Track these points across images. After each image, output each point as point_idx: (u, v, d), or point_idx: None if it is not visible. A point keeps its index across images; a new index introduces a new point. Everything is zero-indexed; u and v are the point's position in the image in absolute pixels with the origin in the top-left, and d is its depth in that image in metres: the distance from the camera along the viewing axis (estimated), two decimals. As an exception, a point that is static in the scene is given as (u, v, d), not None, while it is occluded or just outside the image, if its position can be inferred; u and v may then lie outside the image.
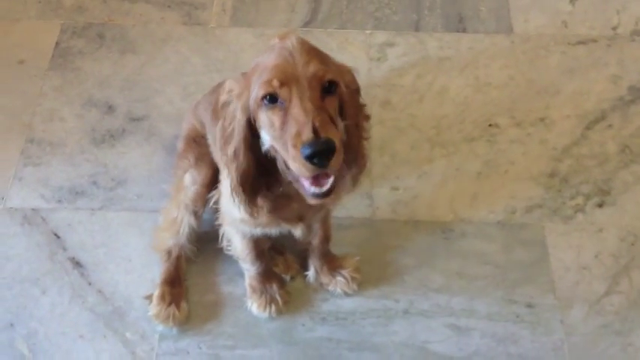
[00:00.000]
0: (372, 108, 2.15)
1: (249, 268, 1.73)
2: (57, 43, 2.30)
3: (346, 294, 1.78)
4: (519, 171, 2.02)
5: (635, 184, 1.99)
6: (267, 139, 1.29)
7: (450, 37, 2.32)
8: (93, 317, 1.76)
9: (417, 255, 1.84)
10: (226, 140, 1.33)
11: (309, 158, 1.18)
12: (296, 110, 1.21)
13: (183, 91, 2.18)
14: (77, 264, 1.84)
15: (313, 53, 1.26)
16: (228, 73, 2.09)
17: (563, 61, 2.25)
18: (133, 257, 1.85)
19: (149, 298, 1.76)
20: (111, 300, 1.79)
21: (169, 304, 1.73)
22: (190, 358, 1.70)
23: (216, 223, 1.69)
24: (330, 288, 1.79)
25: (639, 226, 1.91)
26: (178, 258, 1.80)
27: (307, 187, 1.26)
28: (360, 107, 1.40)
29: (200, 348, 1.71)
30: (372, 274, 1.82)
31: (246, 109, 1.28)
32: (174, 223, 1.77)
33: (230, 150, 1.32)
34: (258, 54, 1.34)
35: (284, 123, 1.23)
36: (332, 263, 1.79)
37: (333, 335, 1.73)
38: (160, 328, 1.73)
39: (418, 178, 2.00)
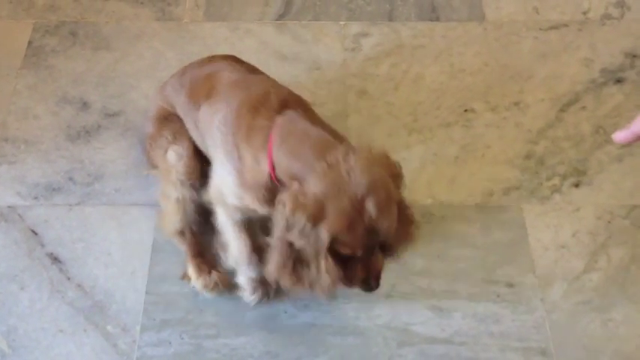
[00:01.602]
0: (348, 97, 2.16)
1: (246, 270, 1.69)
2: (29, 42, 2.29)
3: None
4: (496, 154, 2.03)
5: (610, 163, 2.01)
6: None
7: (424, 25, 2.34)
8: (73, 312, 1.74)
9: (397, 239, 1.84)
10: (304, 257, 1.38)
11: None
12: (370, 264, 1.40)
13: (158, 85, 2.16)
14: (56, 259, 1.82)
15: (393, 217, 1.35)
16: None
17: (535, 46, 2.27)
18: (112, 251, 1.84)
19: (185, 277, 1.77)
20: (91, 294, 1.77)
21: (209, 273, 1.74)
22: (172, 348, 1.68)
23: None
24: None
25: (615, 204, 1.93)
26: (193, 234, 1.80)
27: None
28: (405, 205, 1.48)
29: (182, 338, 1.70)
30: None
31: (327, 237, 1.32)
32: (177, 203, 1.76)
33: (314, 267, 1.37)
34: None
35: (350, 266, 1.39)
36: None
37: (317, 321, 1.73)
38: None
39: (396, 165, 2.00)
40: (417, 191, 1.95)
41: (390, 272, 1.77)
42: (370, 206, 1.30)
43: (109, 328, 1.72)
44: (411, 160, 2.02)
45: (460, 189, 1.96)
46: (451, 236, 1.87)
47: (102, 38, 2.30)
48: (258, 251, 1.64)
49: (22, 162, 2.00)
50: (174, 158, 1.76)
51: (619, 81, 2.19)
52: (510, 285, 1.78)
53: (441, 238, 1.87)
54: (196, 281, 1.74)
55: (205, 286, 1.74)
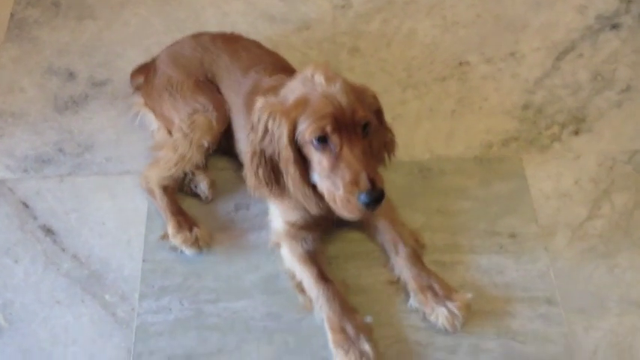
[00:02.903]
0: (340, 56, 2.12)
1: (315, 297, 1.62)
2: (12, 15, 2.23)
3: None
4: (493, 106, 1.99)
5: (609, 109, 1.97)
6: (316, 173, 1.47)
7: (414, -21, 2.28)
8: (69, 282, 1.71)
9: (397, 196, 1.79)
10: (267, 157, 1.48)
11: (366, 204, 1.40)
12: (349, 158, 1.42)
13: (145, 52, 2.12)
14: (49, 231, 1.79)
15: (353, 96, 1.44)
16: (190, 32, 2.02)
17: (529, -5, 2.23)
18: (107, 220, 1.80)
19: (164, 236, 1.74)
20: (87, 264, 1.74)
21: (190, 229, 1.72)
22: (172, 314, 1.65)
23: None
24: (431, 318, 1.60)
25: (616, 149, 1.89)
26: (174, 191, 1.80)
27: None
28: (385, 125, 1.60)
29: (182, 304, 1.67)
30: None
31: (291, 140, 1.44)
32: (181, 160, 1.75)
33: (284, 168, 1.48)
34: (288, 83, 1.47)
35: (334, 166, 1.43)
36: (436, 292, 1.62)
37: (317, 281, 1.70)
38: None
39: (392, 121, 1.93)
40: (414, 147, 1.91)
41: (391, 229, 1.75)
42: (324, 84, 1.43)
43: (106, 297, 1.69)
44: (406, 116, 1.98)
45: (458, 143, 1.93)
46: (451, 190, 1.84)
47: (86, 7, 2.25)
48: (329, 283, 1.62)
49: (10, 135, 1.96)
50: (206, 126, 1.75)
51: (615, 27, 2.15)
52: (513, 236, 1.75)
53: (441, 192, 1.83)
54: (175, 237, 1.72)
55: (185, 241, 1.71)
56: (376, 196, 1.41)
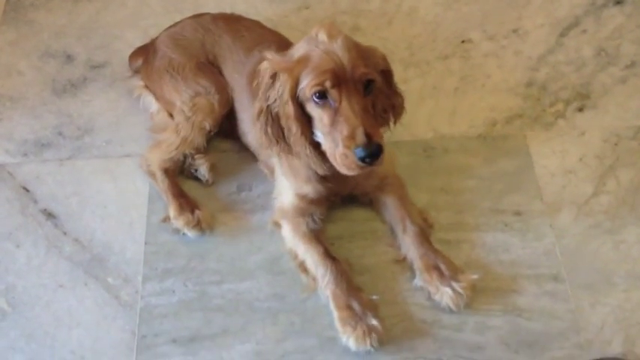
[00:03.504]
0: (341, 34, 2.09)
1: (322, 274, 1.60)
2: (7, -2, 2.21)
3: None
4: (496, 83, 1.97)
5: (613, 85, 1.95)
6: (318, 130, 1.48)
7: (415, -43, 2.25)
8: (71, 266, 1.70)
9: (401, 175, 1.77)
10: (273, 115, 1.48)
11: (362, 159, 1.39)
12: (347, 113, 1.41)
13: (144, 34, 2.09)
14: (50, 215, 1.77)
15: (356, 53, 1.44)
16: (188, 13, 2.00)
17: (531, -29, 2.20)
18: (108, 203, 1.79)
19: (166, 219, 1.73)
20: (89, 247, 1.72)
21: (192, 212, 1.71)
22: (176, 296, 1.64)
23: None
24: (435, 297, 1.59)
25: (621, 126, 1.87)
26: (174, 174, 1.79)
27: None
28: (394, 89, 1.59)
29: (186, 286, 1.66)
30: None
31: (293, 96, 1.44)
32: (183, 142, 1.75)
33: (285, 124, 1.48)
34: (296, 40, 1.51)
35: (334, 121, 1.43)
36: (442, 271, 1.60)
37: (321, 261, 1.68)
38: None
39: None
40: (417, 126, 1.90)
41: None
42: (326, 41, 1.43)
43: (109, 280, 1.67)
44: (409, 94, 1.91)
45: (461, 121, 1.91)
46: (455, 169, 1.82)
47: (82, -11, 2.22)
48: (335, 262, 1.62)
49: (9, 119, 1.94)
50: (208, 109, 1.74)
51: (619, 2, 2.12)
52: (518, 213, 1.73)
53: (445, 171, 1.82)
54: (177, 219, 1.71)
55: (187, 224, 1.70)
56: (373, 150, 1.40)
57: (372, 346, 1.51)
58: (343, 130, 1.41)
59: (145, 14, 2.15)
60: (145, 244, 1.72)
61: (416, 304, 1.62)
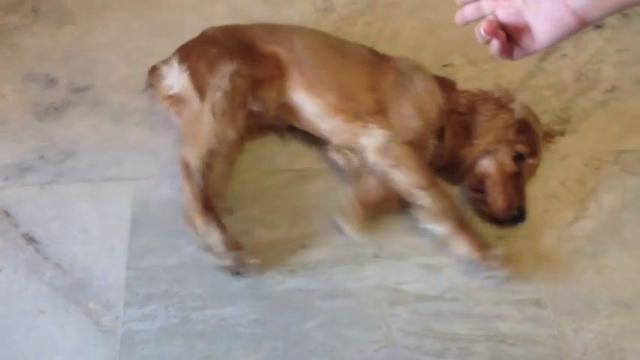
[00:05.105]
0: (324, 58, 2.10)
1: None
2: (-9, 21, 2.21)
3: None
4: (478, 107, 1.98)
5: (594, 109, 1.97)
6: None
7: (397, -19, 2.28)
8: (53, 292, 1.68)
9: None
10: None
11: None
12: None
13: (127, 57, 2.10)
14: (31, 240, 1.76)
15: None
16: (172, 37, 2.00)
17: (512, -4, 2.22)
18: (90, 228, 1.78)
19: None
20: (70, 272, 1.71)
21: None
22: (158, 322, 1.63)
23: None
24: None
25: (602, 150, 1.89)
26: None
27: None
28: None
29: (168, 311, 1.64)
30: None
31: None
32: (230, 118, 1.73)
33: None
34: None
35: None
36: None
37: (304, 286, 1.68)
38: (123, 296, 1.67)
39: (377, 123, 1.95)
40: (400, 149, 1.90)
41: (378, 233, 1.74)
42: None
43: (91, 305, 1.66)
44: None
45: (444, 144, 1.91)
46: (437, 192, 1.82)
47: (65, 12, 2.23)
48: None
49: (-10, 143, 1.93)
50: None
51: (598, 26, 2.16)
52: (500, 237, 1.74)
53: (427, 195, 1.82)
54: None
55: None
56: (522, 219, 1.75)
57: None
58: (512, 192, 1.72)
59: (129, 37, 2.15)
60: (127, 268, 1.71)
61: (399, 329, 1.61)
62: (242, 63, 1.76)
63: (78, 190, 1.84)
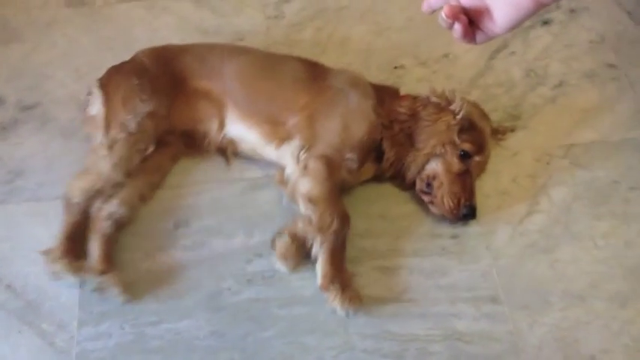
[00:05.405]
0: (275, 66, 2.09)
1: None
2: None
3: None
4: (429, 108, 1.99)
5: (543, 105, 1.99)
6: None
7: (345, -14, 2.28)
8: (4, 314, 1.65)
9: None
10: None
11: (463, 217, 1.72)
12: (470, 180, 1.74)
13: (75, 73, 2.07)
14: (-19, 262, 1.73)
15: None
16: (121, 50, 1.99)
17: (459, -4, 2.23)
18: (41, 247, 1.74)
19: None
20: (22, 294, 1.68)
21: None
22: (113, 340, 1.61)
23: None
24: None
25: (553, 145, 1.91)
26: None
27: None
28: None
29: (123, 328, 1.63)
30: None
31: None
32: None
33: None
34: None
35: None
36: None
37: (261, 295, 1.67)
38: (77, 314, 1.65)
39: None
40: (352, 153, 1.90)
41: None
42: None
43: (44, 326, 1.63)
44: None
45: (396, 146, 1.91)
46: (391, 195, 1.83)
47: (11, 30, 2.19)
48: None
49: (-63, 166, 1.90)
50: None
51: (546, 23, 2.18)
52: (455, 236, 1.75)
53: (381, 197, 1.83)
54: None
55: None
56: (473, 215, 1.77)
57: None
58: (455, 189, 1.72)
59: (77, 53, 2.13)
60: (80, 287, 1.68)
61: (357, 333, 1.61)
62: (163, 102, 1.77)
63: (28, 210, 1.81)
